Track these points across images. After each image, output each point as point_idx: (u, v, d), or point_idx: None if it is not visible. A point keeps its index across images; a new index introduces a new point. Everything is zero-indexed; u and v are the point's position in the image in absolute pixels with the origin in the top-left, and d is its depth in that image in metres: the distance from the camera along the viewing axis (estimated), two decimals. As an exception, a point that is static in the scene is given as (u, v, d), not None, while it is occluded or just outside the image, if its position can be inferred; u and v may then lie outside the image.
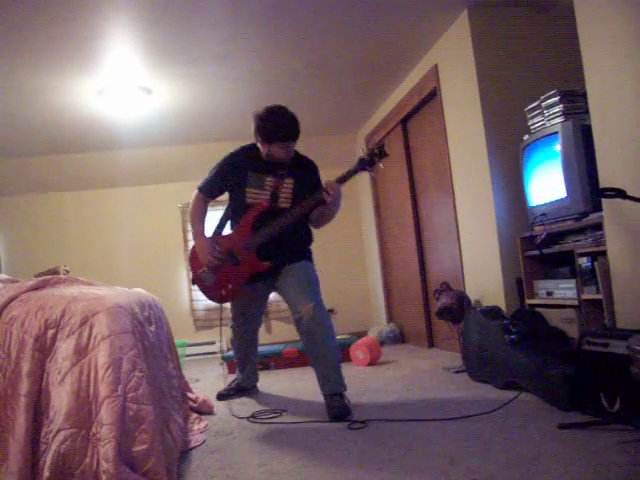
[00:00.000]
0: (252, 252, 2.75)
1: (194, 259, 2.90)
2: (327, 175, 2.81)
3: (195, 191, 2.93)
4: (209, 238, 2.87)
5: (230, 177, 2.82)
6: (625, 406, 1.94)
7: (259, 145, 2.76)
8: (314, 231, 2.95)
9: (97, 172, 5.64)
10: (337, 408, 2.51)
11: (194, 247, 2.90)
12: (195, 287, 2.98)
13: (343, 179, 2.65)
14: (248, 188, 2.76)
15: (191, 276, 2.97)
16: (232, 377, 3.39)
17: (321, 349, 2.63)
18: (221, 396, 3.17)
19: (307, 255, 2.88)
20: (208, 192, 2.90)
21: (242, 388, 3.22)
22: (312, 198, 2.66)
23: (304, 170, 2.82)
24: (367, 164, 2.64)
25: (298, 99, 4.65)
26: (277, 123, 2.64)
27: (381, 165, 2.67)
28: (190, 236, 5.78)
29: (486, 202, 3.39)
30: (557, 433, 1.94)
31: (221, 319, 3.37)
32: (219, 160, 2.87)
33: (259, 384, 3.36)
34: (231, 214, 2.91)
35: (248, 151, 2.82)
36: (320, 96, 4.63)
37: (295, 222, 2.73)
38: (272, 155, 2.71)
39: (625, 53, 2.19)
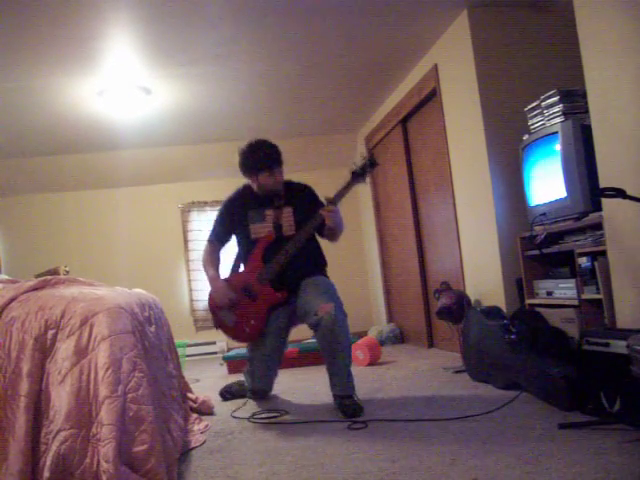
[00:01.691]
0: (266, 284, 2.80)
1: (212, 303, 2.93)
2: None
3: (205, 244, 3.04)
4: (223, 279, 2.92)
5: (232, 220, 2.94)
6: (625, 406, 1.94)
7: (250, 182, 2.89)
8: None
9: (97, 172, 5.64)
10: (351, 407, 2.54)
11: (211, 292, 2.93)
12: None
13: (339, 196, 2.76)
14: (251, 225, 2.86)
15: (213, 321, 2.98)
16: (232, 377, 3.37)
17: (338, 351, 2.63)
18: (223, 395, 3.16)
19: (322, 271, 2.91)
20: (217, 239, 3.01)
21: (246, 395, 3.13)
22: (312, 223, 2.75)
23: (300, 196, 2.92)
24: (360, 176, 2.77)
25: (298, 99, 4.66)
26: (258, 153, 2.80)
27: (373, 173, 2.75)
28: (190, 236, 5.80)
29: (486, 202, 3.39)
30: (557, 433, 1.94)
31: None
32: (219, 208, 3.02)
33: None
34: (241, 254, 2.97)
35: (243, 191, 2.97)
36: (320, 96, 4.63)
37: (302, 246, 2.77)
38: (263, 186, 2.83)
39: (625, 53, 2.19)
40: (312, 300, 2.67)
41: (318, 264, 2.92)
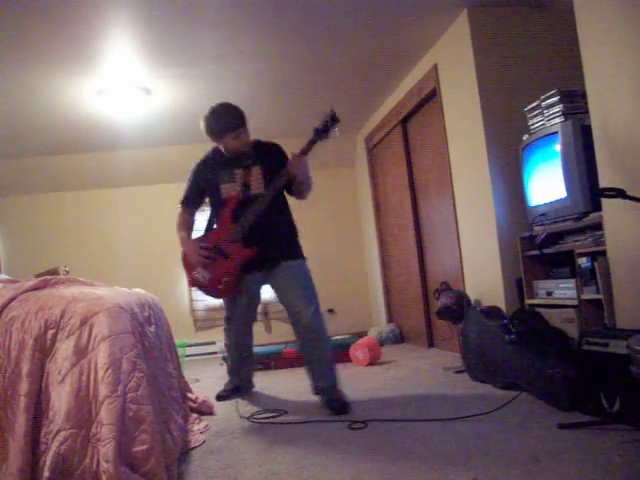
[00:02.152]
0: (237, 241, 2.85)
1: (186, 262, 3.01)
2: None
3: (177, 207, 3.09)
4: (195, 239, 3.00)
5: (204, 181, 2.99)
6: (625, 406, 1.94)
7: (218, 145, 2.93)
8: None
9: (97, 172, 5.64)
10: (337, 401, 2.62)
11: (184, 252, 3.01)
12: (195, 288, 3.02)
13: (305, 151, 2.78)
14: (221, 185, 2.91)
15: (187, 280, 3.05)
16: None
17: (318, 349, 2.78)
18: (220, 397, 3.17)
19: (300, 252, 2.96)
20: (189, 202, 3.07)
21: (239, 388, 3.22)
22: (280, 176, 2.79)
23: (269, 154, 2.96)
24: (322, 132, 2.77)
25: (298, 99, 4.66)
26: (221, 117, 2.82)
27: (337, 131, 2.79)
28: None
29: (486, 202, 3.39)
30: (557, 433, 1.94)
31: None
32: (190, 171, 3.05)
33: (257, 384, 3.36)
34: (213, 214, 3.04)
35: (212, 154, 3.01)
36: (320, 96, 4.62)
37: (273, 205, 2.82)
38: (230, 148, 2.88)
39: (625, 53, 2.19)
40: (293, 298, 2.79)
41: (294, 242, 2.97)
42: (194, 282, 3.00)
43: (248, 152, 2.91)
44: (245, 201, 2.85)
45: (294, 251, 2.93)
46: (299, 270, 2.88)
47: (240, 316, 3.07)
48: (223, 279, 2.89)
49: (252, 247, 2.84)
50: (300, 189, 2.90)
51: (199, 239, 2.98)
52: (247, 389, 3.27)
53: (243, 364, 3.22)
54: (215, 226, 3.02)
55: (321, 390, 2.77)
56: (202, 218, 3.16)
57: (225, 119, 2.82)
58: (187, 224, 3.08)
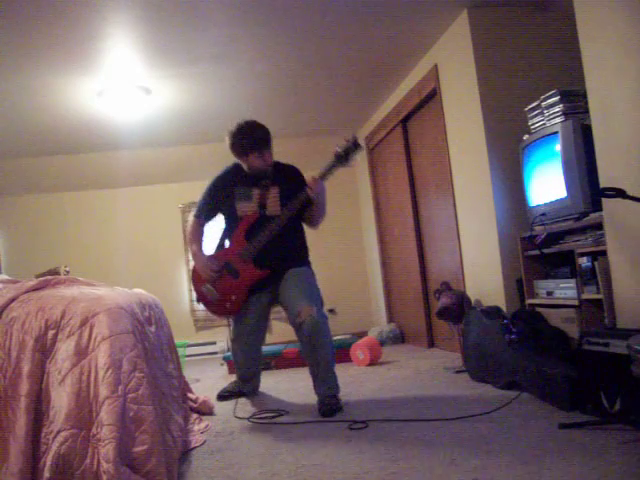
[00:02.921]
0: (248, 261, 2.84)
1: (195, 278, 3.00)
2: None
3: (191, 218, 3.08)
4: (207, 255, 2.98)
5: (220, 197, 2.98)
6: (625, 406, 1.94)
7: (240, 162, 2.92)
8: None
9: (97, 172, 5.64)
10: (329, 405, 2.59)
11: (194, 266, 3.00)
12: (201, 305, 3.02)
13: (323, 176, 2.76)
14: (237, 203, 2.91)
15: (195, 295, 3.04)
16: (232, 377, 3.38)
17: (321, 353, 2.72)
18: (221, 397, 3.16)
19: (306, 262, 2.97)
20: (202, 215, 3.05)
21: (244, 393, 3.20)
22: (297, 198, 2.78)
23: (287, 177, 2.96)
24: (343, 159, 2.75)
25: (298, 99, 4.66)
26: (249, 135, 2.83)
27: (358, 158, 2.79)
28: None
29: (486, 202, 3.39)
30: (557, 433, 1.94)
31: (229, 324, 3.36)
32: (207, 184, 3.04)
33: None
34: (226, 231, 3.02)
35: (232, 169, 3.00)
36: (320, 96, 4.63)
37: (287, 227, 2.81)
38: (253, 166, 2.87)
39: (625, 53, 2.19)
40: (295, 299, 2.75)
41: (302, 252, 2.97)
42: (201, 298, 2.98)
43: (267, 172, 2.90)
44: (260, 221, 2.84)
45: (298, 261, 2.92)
46: (302, 274, 2.86)
47: (246, 336, 3.02)
48: (232, 297, 2.87)
49: (263, 269, 2.83)
50: (315, 214, 2.88)
51: (211, 256, 2.96)
52: (250, 395, 3.23)
53: (251, 377, 3.19)
54: (227, 243, 3.00)
55: (318, 394, 2.72)
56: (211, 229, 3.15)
57: (251, 138, 2.81)
58: (199, 237, 3.05)
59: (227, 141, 2.88)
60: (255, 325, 3.01)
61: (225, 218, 3.02)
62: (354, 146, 2.73)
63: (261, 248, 2.80)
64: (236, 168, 2.98)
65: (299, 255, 2.95)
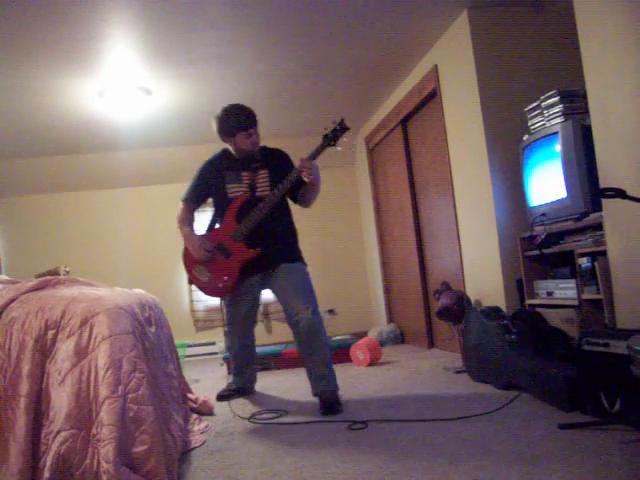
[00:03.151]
0: (240, 241, 2.87)
1: (187, 259, 3.02)
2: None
3: (180, 204, 3.09)
4: (199, 235, 3.00)
5: (210, 181, 3.01)
6: (625, 406, 1.94)
7: (227, 145, 2.97)
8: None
9: (97, 173, 5.64)
10: (330, 401, 2.62)
11: (186, 247, 3.02)
12: (193, 287, 3.04)
13: (312, 157, 2.80)
14: (227, 185, 2.94)
15: (187, 276, 3.05)
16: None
17: (318, 352, 2.76)
18: (221, 397, 3.17)
19: (299, 256, 3.00)
20: (192, 199, 3.07)
21: (242, 389, 3.23)
22: (287, 179, 2.81)
23: (276, 160, 3.01)
24: (331, 140, 2.81)
25: (298, 99, 4.66)
26: (234, 115, 2.88)
27: (345, 139, 2.83)
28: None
29: (486, 202, 3.39)
30: (557, 433, 1.94)
31: (223, 319, 3.40)
32: (197, 169, 3.07)
33: (257, 385, 3.37)
34: (216, 213, 3.05)
35: (222, 154, 3.05)
36: (320, 96, 4.63)
37: (277, 209, 2.85)
38: (240, 148, 2.91)
39: (625, 53, 2.19)
40: (291, 298, 2.79)
41: (293, 243, 3.00)
42: (193, 280, 3.01)
43: (256, 155, 2.94)
44: (250, 202, 2.87)
45: (293, 254, 2.96)
46: (298, 272, 2.89)
47: (241, 321, 3.09)
48: (224, 278, 2.90)
49: (255, 248, 2.86)
50: (308, 194, 2.90)
51: (202, 236, 2.99)
52: (249, 391, 3.27)
53: (246, 366, 3.24)
54: (218, 225, 3.03)
55: (318, 392, 2.74)
56: (200, 218, 3.17)
57: (237, 118, 2.86)
58: (189, 220, 3.08)
59: (214, 126, 2.93)
60: (248, 312, 3.08)
61: (215, 201, 3.05)
62: (341, 128, 2.79)
63: (252, 228, 2.83)
64: (225, 153, 3.03)
65: (290, 246, 2.98)
